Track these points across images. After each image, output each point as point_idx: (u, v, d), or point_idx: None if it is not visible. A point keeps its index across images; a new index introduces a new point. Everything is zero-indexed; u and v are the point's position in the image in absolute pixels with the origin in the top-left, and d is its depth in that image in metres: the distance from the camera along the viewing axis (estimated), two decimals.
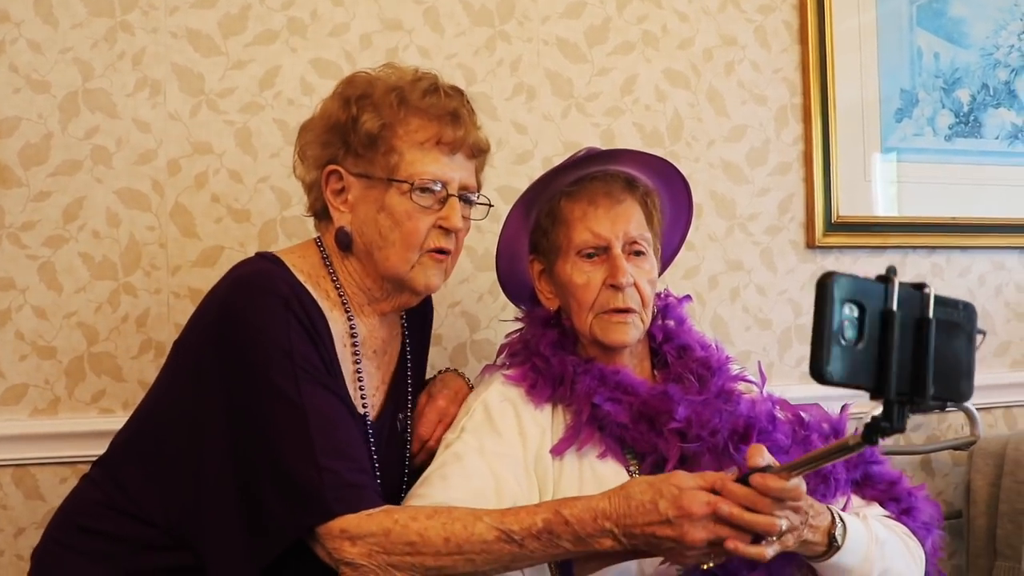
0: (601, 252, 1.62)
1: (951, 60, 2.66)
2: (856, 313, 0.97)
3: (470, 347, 2.19)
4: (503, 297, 1.87)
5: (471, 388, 1.73)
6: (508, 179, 2.14)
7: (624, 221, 1.61)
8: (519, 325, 1.74)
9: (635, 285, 1.60)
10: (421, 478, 1.54)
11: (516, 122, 2.23)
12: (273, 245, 2.04)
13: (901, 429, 1.00)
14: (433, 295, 1.75)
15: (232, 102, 2.03)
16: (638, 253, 1.63)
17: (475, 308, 2.18)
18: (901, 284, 1.00)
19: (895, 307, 0.98)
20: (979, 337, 1.06)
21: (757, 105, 2.45)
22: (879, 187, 2.57)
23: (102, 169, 1.95)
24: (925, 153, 2.62)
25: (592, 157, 1.66)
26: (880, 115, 2.57)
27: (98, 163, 1.94)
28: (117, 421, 1.90)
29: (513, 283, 1.79)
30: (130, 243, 1.96)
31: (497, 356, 1.74)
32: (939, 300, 1.02)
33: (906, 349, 0.99)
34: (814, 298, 0.98)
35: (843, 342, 0.97)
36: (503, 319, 1.94)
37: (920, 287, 1.01)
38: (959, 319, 1.04)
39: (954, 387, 1.04)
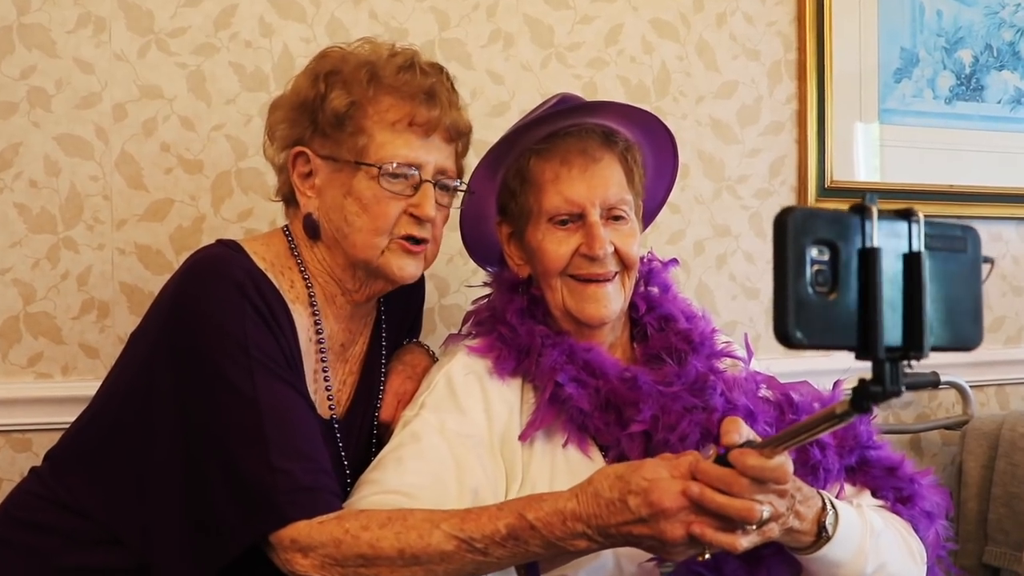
0: (575, 219, 1.48)
1: (954, 18, 2.52)
2: (827, 256, 0.81)
3: (439, 313, 2.06)
4: None
5: (435, 361, 1.61)
6: (482, 132, 1.99)
7: (602, 185, 1.47)
8: (487, 291, 1.61)
9: (615, 250, 1.47)
10: (375, 460, 1.41)
11: (492, 71, 2.10)
12: (227, 199, 1.92)
13: (896, 392, 0.83)
14: None
15: (184, 43, 1.89)
16: (618, 218, 1.49)
17: (444, 271, 2.06)
18: (882, 213, 0.83)
19: (876, 243, 0.82)
20: (986, 267, 0.90)
21: (749, 60, 2.33)
22: (875, 151, 2.46)
23: (40, 113, 1.81)
24: (924, 117, 2.51)
25: (565, 111, 1.50)
26: (878, 75, 2.45)
27: (35, 106, 1.81)
28: (55, 387, 1.83)
29: (482, 245, 1.65)
30: (71, 194, 1.83)
31: (463, 325, 1.61)
32: (932, 227, 0.85)
33: (895, 293, 0.82)
34: (772, 241, 0.81)
35: (812, 294, 0.80)
36: (471, 284, 1.81)
37: (907, 214, 0.84)
38: (959, 247, 0.88)
39: (959, 332, 0.87)
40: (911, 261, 0.83)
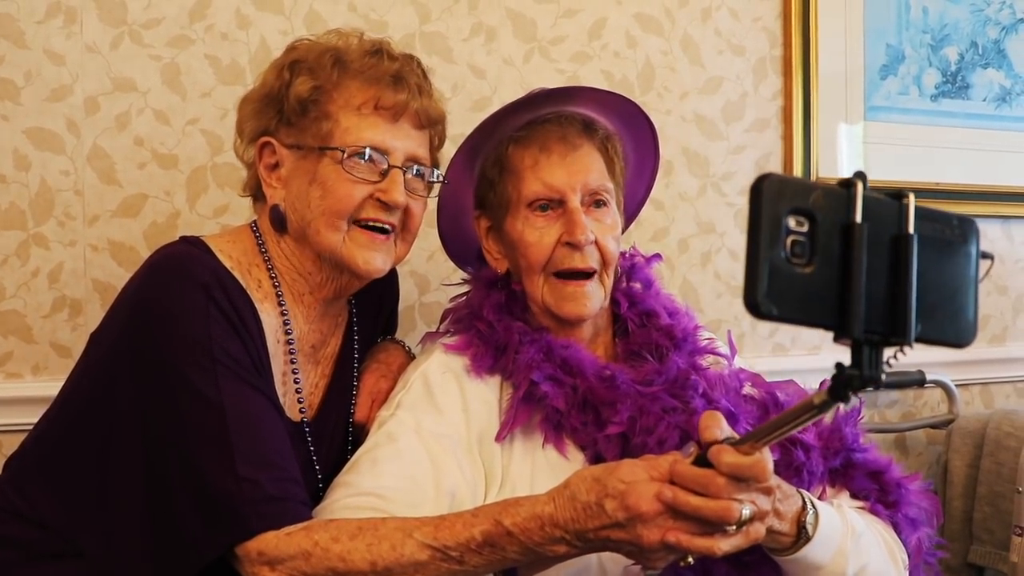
0: (555, 205, 1.44)
1: (940, 15, 2.51)
2: (806, 227, 0.77)
3: (419, 310, 2.03)
4: None
5: (411, 358, 1.57)
6: (463, 127, 1.95)
7: (582, 171, 1.44)
8: (465, 288, 1.57)
9: (596, 242, 1.43)
10: (350, 462, 1.37)
11: (473, 65, 2.07)
12: (203, 195, 1.88)
13: (875, 379, 0.78)
14: None
15: (158, 34, 1.85)
16: (599, 204, 1.46)
17: (424, 268, 2.03)
18: (869, 191, 0.78)
19: (859, 219, 0.78)
20: (985, 263, 0.85)
21: (735, 56, 2.31)
22: (860, 148, 2.44)
23: (8, 105, 1.77)
24: (910, 114, 2.50)
25: (545, 97, 1.47)
26: (864, 72, 2.43)
27: (4, 98, 1.76)
28: (26, 387, 1.79)
29: (458, 242, 1.61)
30: (41, 189, 1.79)
31: (440, 322, 1.58)
32: (924, 213, 0.80)
33: (879, 275, 0.78)
34: (748, 208, 0.77)
35: (787, 264, 0.76)
36: (449, 282, 1.78)
37: (898, 196, 0.80)
38: (956, 239, 0.83)
39: (949, 325, 0.82)
40: (899, 243, 0.80)
